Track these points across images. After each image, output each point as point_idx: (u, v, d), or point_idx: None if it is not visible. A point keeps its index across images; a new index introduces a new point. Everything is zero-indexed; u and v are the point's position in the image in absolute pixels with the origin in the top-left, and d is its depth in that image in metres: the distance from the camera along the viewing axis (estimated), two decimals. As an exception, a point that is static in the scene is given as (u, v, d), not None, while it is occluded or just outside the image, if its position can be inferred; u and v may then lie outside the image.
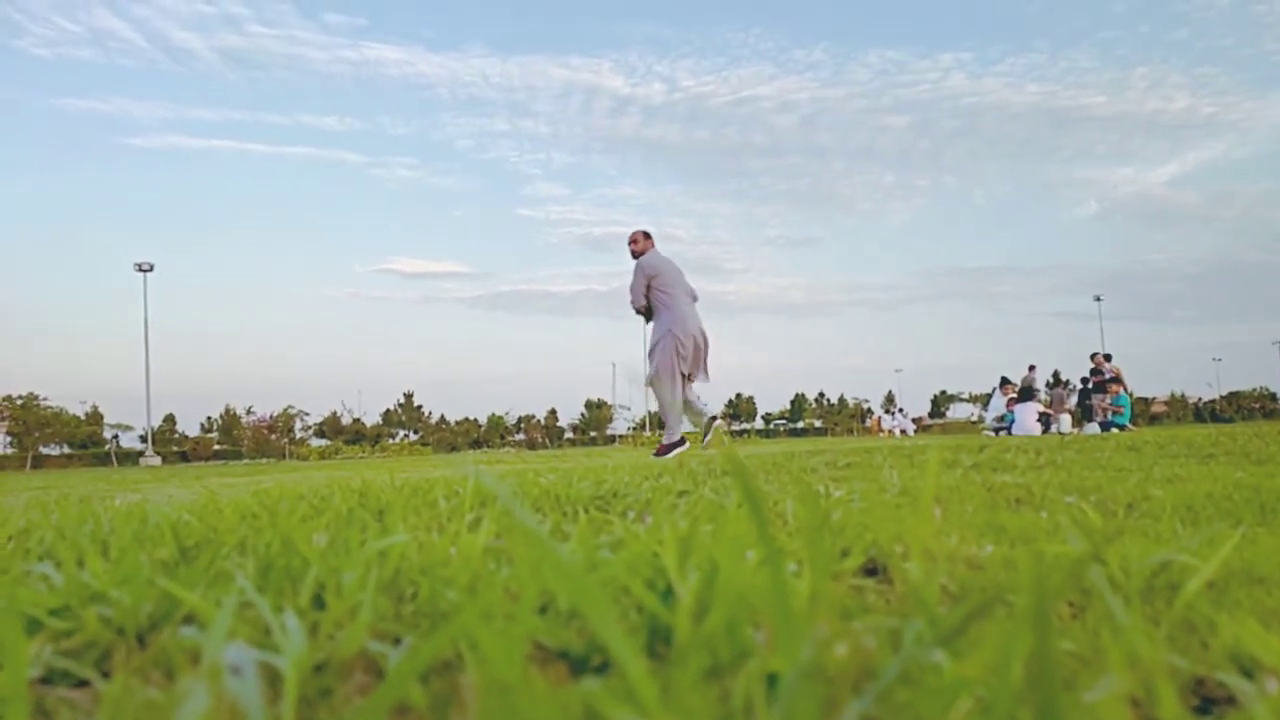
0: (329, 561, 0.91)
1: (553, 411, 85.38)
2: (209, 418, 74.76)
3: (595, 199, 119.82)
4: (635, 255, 7.26)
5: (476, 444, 69.24)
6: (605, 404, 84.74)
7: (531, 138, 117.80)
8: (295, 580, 0.91)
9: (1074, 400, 18.51)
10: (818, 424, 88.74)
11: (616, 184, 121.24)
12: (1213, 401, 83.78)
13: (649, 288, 7.13)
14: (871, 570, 1.05)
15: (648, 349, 7.24)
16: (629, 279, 7.24)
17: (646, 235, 7.32)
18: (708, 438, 7.07)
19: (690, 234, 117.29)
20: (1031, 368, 18.25)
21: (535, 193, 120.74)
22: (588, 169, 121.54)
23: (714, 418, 7.11)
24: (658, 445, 6.99)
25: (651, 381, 7.08)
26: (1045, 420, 15.71)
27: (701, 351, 7.17)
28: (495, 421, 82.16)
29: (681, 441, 6.94)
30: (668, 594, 0.76)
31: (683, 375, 7.08)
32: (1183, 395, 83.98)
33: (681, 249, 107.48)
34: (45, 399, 60.57)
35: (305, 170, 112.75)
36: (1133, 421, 17.99)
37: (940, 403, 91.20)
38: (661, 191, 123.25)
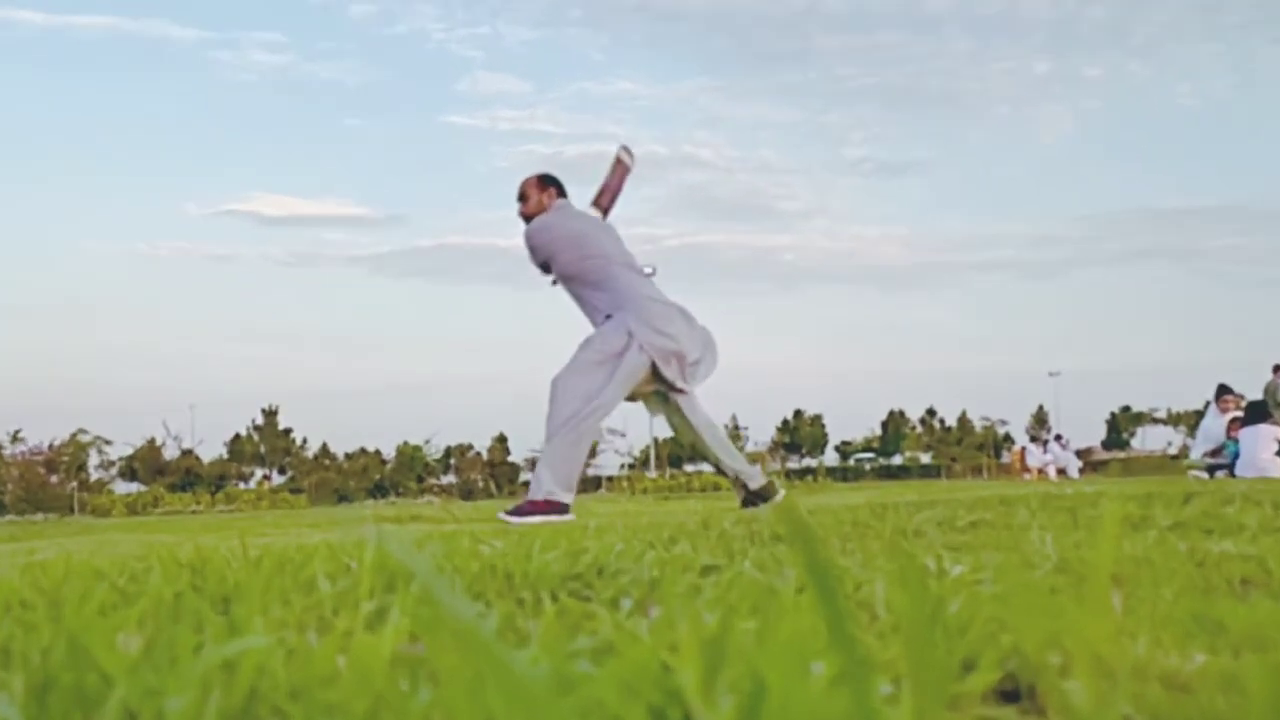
0: (143, 678, 0.72)
1: (501, 439, 59.79)
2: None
3: (571, 99, 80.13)
4: (526, 218, 4.87)
5: (380, 490, 47.20)
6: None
7: (468, 2, 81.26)
8: (90, 708, 0.71)
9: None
10: (925, 459, 65.75)
11: (605, 76, 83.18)
12: None
13: (550, 270, 4.80)
14: (1011, 692, 0.82)
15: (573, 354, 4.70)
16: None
17: (543, 183, 4.91)
18: (753, 505, 4.72)
19: (722, 156, 78.89)
20: (1276, 369, 13.50)
21: (474, 89, 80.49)
22: (558, 52, 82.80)
23: (770, 484, 4.89)
24: (528, 503, 4.45)
25: (554, 384, 4.62)
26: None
27: (691, 343, 4.72)
28: (409, 454, 58.39)
29: (563, 509, 4.45)
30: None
31: (665, 392, 4.81)
32: None
33: (708, 179, 70.72)
34: None
35: (99, 55, 74.00)
36: None
37: (1121, 425, 68.29)
38: (675, 87, 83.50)
